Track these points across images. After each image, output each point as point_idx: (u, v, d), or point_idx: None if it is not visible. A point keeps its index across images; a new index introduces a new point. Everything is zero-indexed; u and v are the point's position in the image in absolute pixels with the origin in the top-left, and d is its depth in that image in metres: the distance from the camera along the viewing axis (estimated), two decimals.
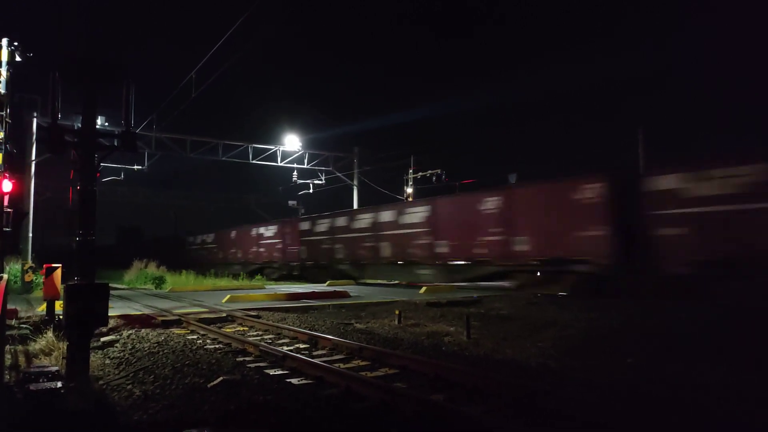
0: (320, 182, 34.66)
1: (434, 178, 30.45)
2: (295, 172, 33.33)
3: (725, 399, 5.37)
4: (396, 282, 25.15)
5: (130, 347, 8.46)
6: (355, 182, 33.49)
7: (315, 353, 8.12)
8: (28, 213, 22.38)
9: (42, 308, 12.11)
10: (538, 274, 17.18)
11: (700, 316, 11.33)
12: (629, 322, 10.84)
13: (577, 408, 4.93)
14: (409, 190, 32.02)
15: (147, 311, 13.18)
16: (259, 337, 9.60)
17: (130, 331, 9.94)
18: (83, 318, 5.99)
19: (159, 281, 24.90)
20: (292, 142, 30.96)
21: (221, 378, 6.20)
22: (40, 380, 5.33)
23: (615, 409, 4.99)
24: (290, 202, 41.45)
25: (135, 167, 30.16)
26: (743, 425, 4.61)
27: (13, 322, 10.29)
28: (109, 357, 7.87)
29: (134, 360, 7.53)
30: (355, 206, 32.96)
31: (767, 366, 6.98)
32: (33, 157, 24.23)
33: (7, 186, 11.65)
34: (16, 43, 14.73)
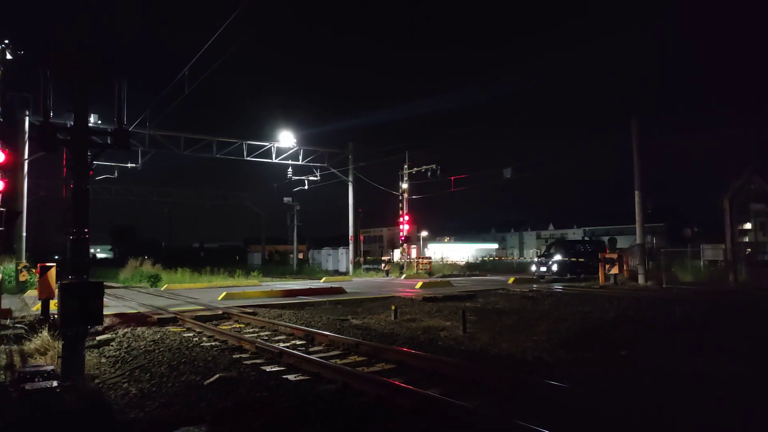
0: (315, 179, 34.58)
1: (429, 174, 30.46)
2: (289, 169, 33.24)
3: (716, 389, 5.40)
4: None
5: (126, 346, 8.44)
6: (350, 178, 33.42)
7: (312, 349, 8.12)
8: (21, 212, 22.24)
9: (37, 308, 12.07)
10: None
11: (695, 310, 11.39)
12: (623, 315, 10.90)
13: (572, 400, 4.96)
14: (404, 186, 32.02)
15: (142, 309, 13.14)
16: (255, 334, 9.60)
17: (125, 330, 9.90)
18: (78, 317, 5.97)
19: (154, 279, 24.78)
20: (286, 139, 30.82)
21: (218, 375, 6.19)
22: (36, 380, 5.30)
23: (608, 400, 5.02)
24: (285, 199, 41.48)
25: (129, 165, 29.94)
26: (735, 417, 4.64)
27: (8, 321, 10.24)
28: (104, 356, 7.85)
29: (130, 358, 7.51)
30: (351, 202, 33.02)
31: (759, 358, 7.04)
32: (26, 156, 24.07)
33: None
34: (6, 41, 14.61)
